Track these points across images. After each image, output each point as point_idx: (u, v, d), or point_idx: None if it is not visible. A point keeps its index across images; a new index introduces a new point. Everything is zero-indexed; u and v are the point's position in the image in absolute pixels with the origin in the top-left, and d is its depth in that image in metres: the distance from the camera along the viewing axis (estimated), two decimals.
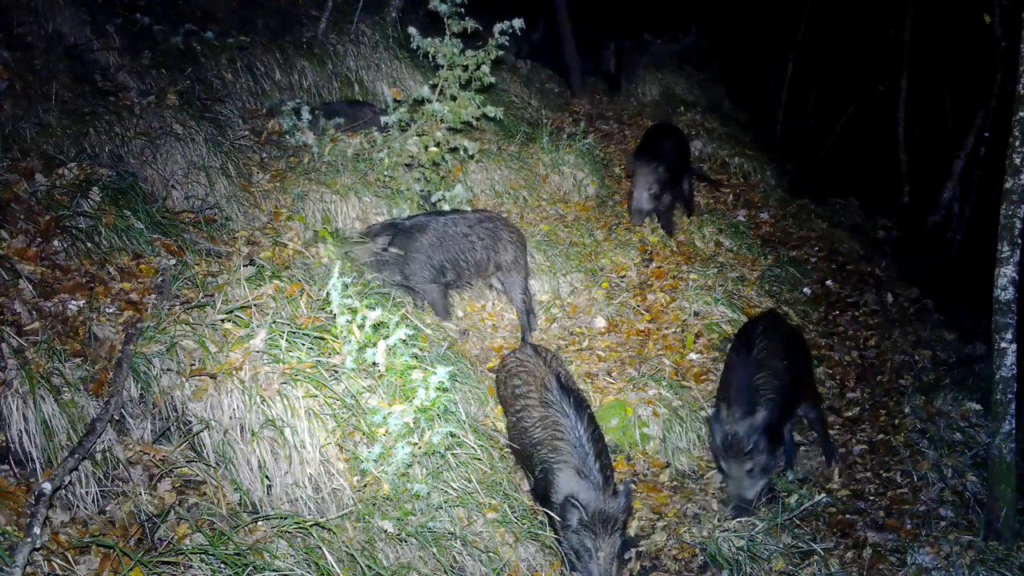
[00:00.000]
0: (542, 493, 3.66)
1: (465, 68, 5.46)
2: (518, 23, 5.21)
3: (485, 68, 5.44)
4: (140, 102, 5.24)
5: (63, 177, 4.16)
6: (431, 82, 5.59)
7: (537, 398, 3.76)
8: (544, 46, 9.80)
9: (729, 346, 4.75)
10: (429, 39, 5.41)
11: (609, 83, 10.12)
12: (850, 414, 5.23)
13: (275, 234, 4.67)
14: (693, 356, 5.30)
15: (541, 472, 3.63)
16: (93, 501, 3.01)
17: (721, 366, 5.27)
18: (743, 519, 3.97)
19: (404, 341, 3.46)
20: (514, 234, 5.13)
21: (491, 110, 5.45)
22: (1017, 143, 3.82)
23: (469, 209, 5.50)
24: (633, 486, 4.07)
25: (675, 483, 4.51)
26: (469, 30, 5.36)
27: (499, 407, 4.34)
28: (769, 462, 4.13)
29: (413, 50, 5.60)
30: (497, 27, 5.29)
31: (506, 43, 5.35)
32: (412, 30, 5.40)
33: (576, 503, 3.32)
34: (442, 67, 5.46)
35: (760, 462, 4.06)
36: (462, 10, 5.39)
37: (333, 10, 7.11)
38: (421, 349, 3.95)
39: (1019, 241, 3.84)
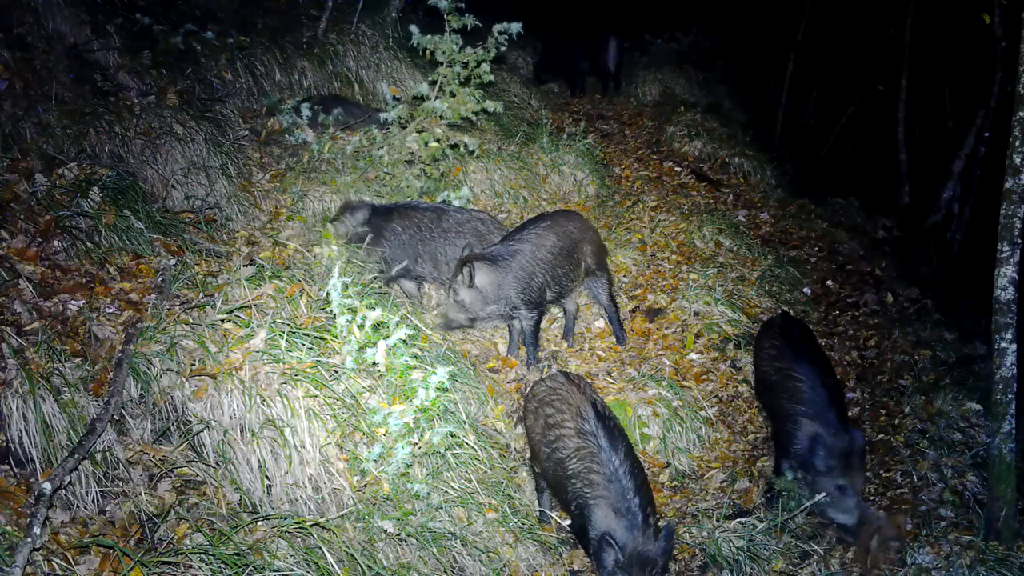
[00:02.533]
0: (578, 530, 3.44)
1: (465, 65, 5.45)
2: (516, 26, 5.20)
3: (485, 66, 5.43)
4: (140, 102, 5.24)
5: (63, 177, 4.16)
6: (430, 79, 5.59)
7: (573, 427, 3.52)
8: (545, 48, 9.79)
9: (771, 352, 4.52)
10: (429, 36, 5.41)
11: (609, 83, 10.12)
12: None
13: (275, 234, 4.67)
14: (693, 356, 5.30)
15: (577, 508, 3.40)
16: (93, 501, 3.01)
17: (722, 366, 5.29)
18: (743, 519, 3.97)
19: (404, 341, 3.46)
20: None
21: (491, 104, 5.45)
22: (1017, 143, 3.81)
23: (465, 208, 5.49)
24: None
25: (675, 483, 4.51)
26: (469, 27, 5.36)
27: (499, 407, 4.34)
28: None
29: (413, 50, 5.62)
30: (496, 28, 5.28)
31: (505, 43, 5.35)
32: (412, 27, 5.40)
33: (612, 543, 3.07)
34: (441, 64, 5.46)
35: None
36: (462, 5, 5.39)
37: (333, 10, 7.12)
38: (421, 349, 3.95)
39: (1019, 241, 3.84)
